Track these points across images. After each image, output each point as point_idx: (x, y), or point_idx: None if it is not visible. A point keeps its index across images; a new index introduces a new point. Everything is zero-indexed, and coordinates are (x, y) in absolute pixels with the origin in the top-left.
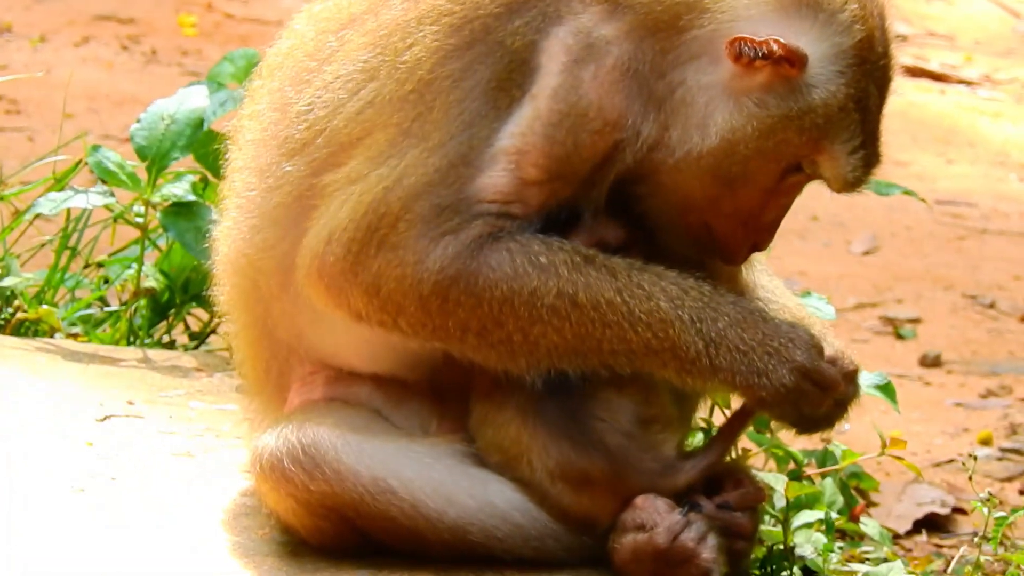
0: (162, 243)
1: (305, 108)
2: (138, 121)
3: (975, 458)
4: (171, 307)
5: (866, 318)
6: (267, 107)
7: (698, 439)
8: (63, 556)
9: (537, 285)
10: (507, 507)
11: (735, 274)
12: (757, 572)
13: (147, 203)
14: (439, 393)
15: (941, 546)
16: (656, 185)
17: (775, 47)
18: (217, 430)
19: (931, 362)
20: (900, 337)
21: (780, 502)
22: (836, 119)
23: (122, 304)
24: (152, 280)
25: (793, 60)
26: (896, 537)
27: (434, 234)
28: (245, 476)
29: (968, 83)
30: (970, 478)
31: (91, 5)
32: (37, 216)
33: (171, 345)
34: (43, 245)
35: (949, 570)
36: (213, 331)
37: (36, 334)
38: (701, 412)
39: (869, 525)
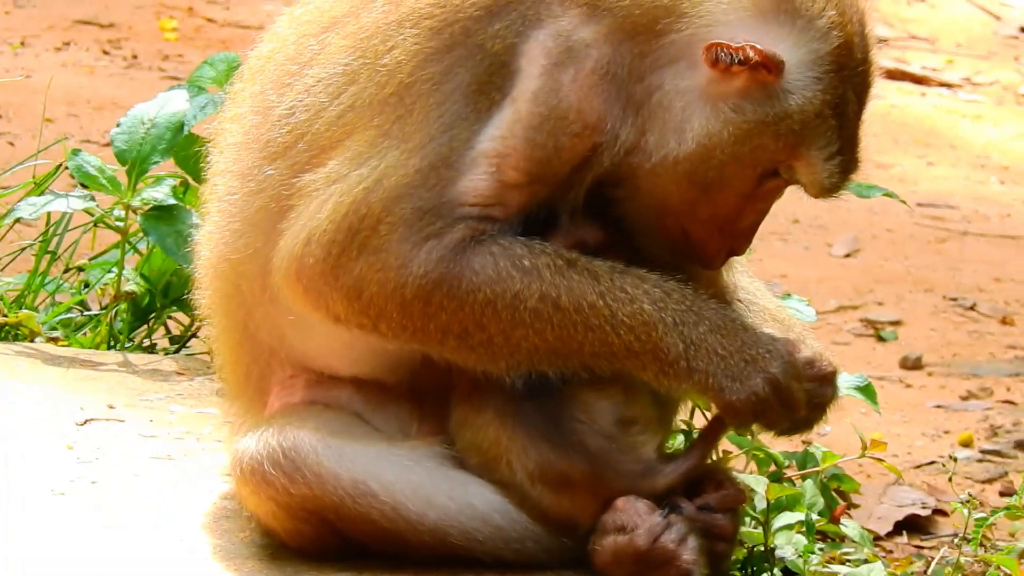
0: (142, 247)
1: (286, 111)
2: (118, 125)
3: (955, 460)
4: (151, 311)
5: (847, 320)
6: (248, 110)
7: (679, 441)
8: (43, 559)
9: (520, 288)
10: (487, 509)
11: (715, 276)
12: (738, 574)
13: (127, 207)
14: (419, 396)
15: (921, 547)
16: (634, 189)
17: (751, 53)
18: (198, 434)
19: (912, 364)
20: (881, 339)
21: (761, 504)
22: (813, 125)
23: (102, 308)
24: (132, 284)
25: (770, 66)
26: (877, 538)
27: (417, 238)
28: (226, 479)
29: (949, 86)
30: (950, 480)
31: (72, 10)
32: (17, 220)
33: (151, 349)
34: (23, 249)
35: (929, 571)
36: (193, 335)
37: (16, 338)
38: (682, 414)
39: (850, 527)
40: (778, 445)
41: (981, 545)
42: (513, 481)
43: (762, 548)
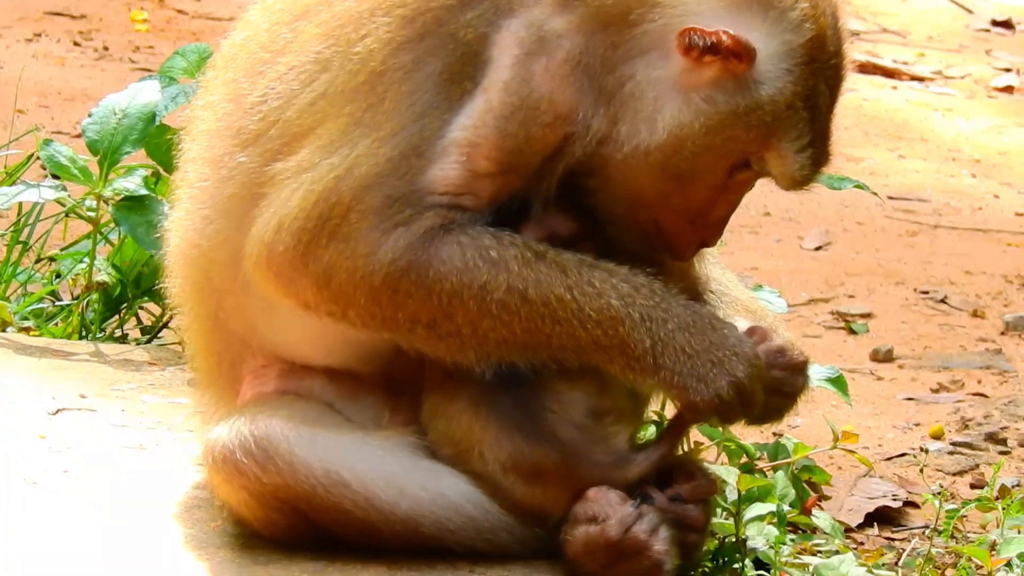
0: (114, 237)
1: (259, 99)
2: (90, 115)
3: (926, 452)
4: (123, 301)
5: (818, 313)
6: (221, 98)
7: (650, 432)
8: (14, 548)
9: (487, 280)
10: (459, 499)
11: (687, 267)
12: (709, 564)
13: (99, 197)
14: (392, 386)
15: (892, 539)
16: (605, 179)
17: (724, 38)
18: (169, 423)
19: (883, 357)
20: (852, 332)
21: (732, 495)
22: (784, 117)
23: (74, 298)
24: (104, 274)
25: (741, 55)
26: (848, 530)
27: (386, 225)
28: (198, 469)
29: (920, 79)
30: (921, 471)
31: (42, 1)
32: None
33: (123, 339)
34: None
35: (900, 562)
36: (165, 325)
37: None
38: (654, 405)
39: (821, 518)
40: (750, 436)
41: (952, 537)
42: (485, 471)
43: (733, 539)
